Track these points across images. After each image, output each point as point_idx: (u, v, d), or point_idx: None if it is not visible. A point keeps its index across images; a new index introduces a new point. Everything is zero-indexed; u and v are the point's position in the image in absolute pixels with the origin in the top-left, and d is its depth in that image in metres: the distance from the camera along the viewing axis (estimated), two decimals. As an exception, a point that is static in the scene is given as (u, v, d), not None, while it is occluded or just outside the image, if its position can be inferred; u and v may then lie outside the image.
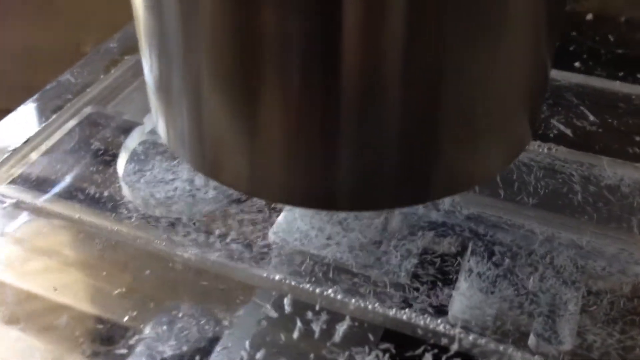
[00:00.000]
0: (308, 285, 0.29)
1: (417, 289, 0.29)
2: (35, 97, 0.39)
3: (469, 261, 0.31)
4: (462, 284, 0.29)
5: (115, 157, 0.36)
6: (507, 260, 0.31)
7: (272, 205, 0.33)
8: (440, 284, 0.29)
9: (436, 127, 0.26)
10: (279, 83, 0.25)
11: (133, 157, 0.36)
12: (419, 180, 0.27)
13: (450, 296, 0.29)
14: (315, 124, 0.25)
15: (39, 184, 0.34)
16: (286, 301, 0.28)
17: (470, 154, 0.27)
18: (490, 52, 0.25)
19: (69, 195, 0.34)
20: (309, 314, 0.28)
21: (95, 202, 0.33)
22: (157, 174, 0.35)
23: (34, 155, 0.36)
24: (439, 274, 0.30)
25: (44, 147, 0.36)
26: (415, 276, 0.30)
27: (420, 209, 0.33)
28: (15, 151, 0.36)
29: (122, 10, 0.62)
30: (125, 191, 0.34)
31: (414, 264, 0.30)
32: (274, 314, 0.28)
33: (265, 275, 0.30)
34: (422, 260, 0.31)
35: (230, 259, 0.30)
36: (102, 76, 0.41)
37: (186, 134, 0.28)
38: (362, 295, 0.29)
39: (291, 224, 0.32)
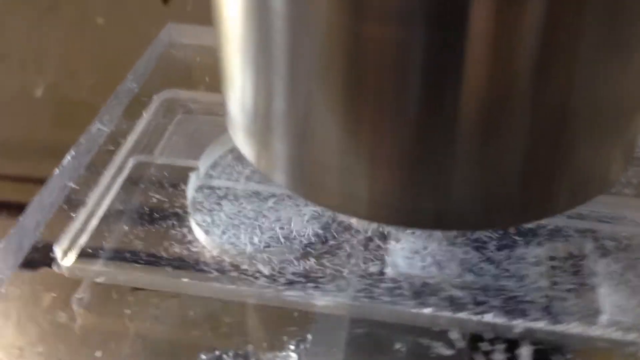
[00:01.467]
0: (463, 314, 0.27)
1: (564, 299, 0.28)
2: (72, 153, 0.35)
3: (595, 261, 0.30)
4: (603, 284, 0.29)
5: (180, 210, 0.33)
6: (628, 254, 0.30)
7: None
8: (582, 288, 0.29)
9: (564, 141, 0.24)
10: (398, 101, 0.23)
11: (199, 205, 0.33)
12: (543, 196, 0.26)
13: (597, 299, 0.28)
14: (439, 142, 0.24)
15: (112, 256, 0.31)
16: (453, 335, 0.27)
17: (594, 165, 0.26)
18: (622, 66, 0.24)
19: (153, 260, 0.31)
20: (484, 345, 0.26)
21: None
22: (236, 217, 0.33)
23: (94, 222, 0.33)
24: (575, 278, 0.29)
25: (101, 211, 0.33)
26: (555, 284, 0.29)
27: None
28: (74, 219, 0.33)
29: (75, 52, 0.59)
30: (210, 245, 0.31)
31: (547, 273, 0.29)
32: (447, 350, 0.26)
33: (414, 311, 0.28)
34: (552, 267, 0.30)
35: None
36: (136, 121, 0.38)
37: (287, 156, 0.26)
38: (525, 313, 0.27)
39: (400, 253, 0.31)
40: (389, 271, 0.30)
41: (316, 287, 0.29)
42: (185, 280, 0.30)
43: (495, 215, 0.25)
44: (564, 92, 0.23)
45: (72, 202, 0.33)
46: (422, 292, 0.29)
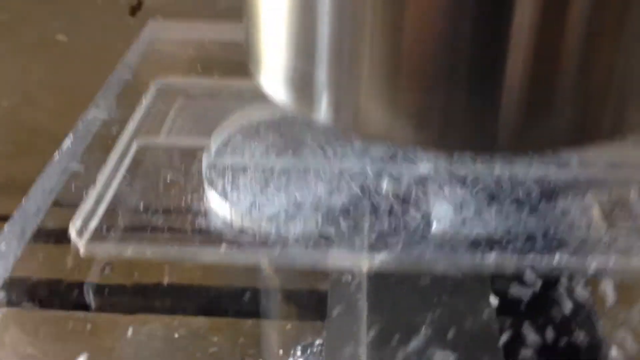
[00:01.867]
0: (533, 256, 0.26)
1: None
2: (70, 138, 0.33)
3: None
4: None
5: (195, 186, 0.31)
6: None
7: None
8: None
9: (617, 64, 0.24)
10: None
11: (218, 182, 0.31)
12: (593, 121, 0.25)
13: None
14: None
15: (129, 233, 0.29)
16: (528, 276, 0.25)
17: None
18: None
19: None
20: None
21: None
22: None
23: (106, 201, 0.30)
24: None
25: (112, 190, 0.30)
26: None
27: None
28: (85, 199, 0.30)
29: (34, 73, 0.56)
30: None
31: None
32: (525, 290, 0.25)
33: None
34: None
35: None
36: (135, 107, 0.35)
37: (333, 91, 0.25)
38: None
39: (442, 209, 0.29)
40: (435, 227, 0.28)
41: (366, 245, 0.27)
42: (210, 250, 0.28)
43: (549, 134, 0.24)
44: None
45: (77, 186, 0.31)
46: (478, 242, 0.27)
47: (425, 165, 0.31)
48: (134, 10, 0.54)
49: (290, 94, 0.27)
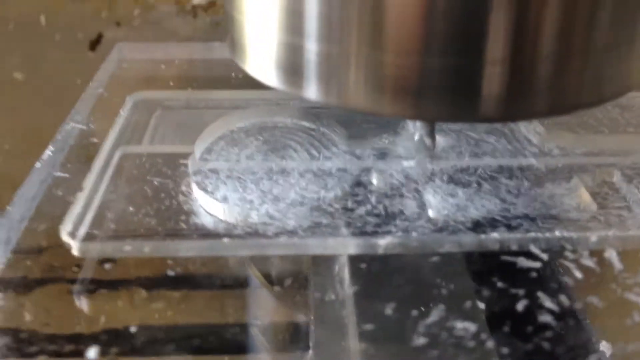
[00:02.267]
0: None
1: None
2: (51, 148, 0.32)
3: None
4: None
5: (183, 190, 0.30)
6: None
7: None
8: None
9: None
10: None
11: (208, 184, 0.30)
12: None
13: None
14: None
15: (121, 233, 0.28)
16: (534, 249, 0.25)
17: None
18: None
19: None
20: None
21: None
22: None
23: (94, 205, 0.29)
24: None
25: (98, 195, 0.30)
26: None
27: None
28: (74, 203, 0.29)
29: None
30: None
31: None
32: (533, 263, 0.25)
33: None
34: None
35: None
36: (113, 119, 0.35)
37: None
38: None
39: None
40: (431, 213, 0.29)
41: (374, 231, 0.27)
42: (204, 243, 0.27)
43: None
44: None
45: (58, 195, 0.30)
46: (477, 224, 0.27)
47: (411, 161, 0.32)
48: (94, 44, 0.53)
49: (279, 74, 0.28)
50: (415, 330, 0.24)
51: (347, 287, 0.27)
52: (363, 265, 0.27)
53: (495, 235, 0.26)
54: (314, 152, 0.34)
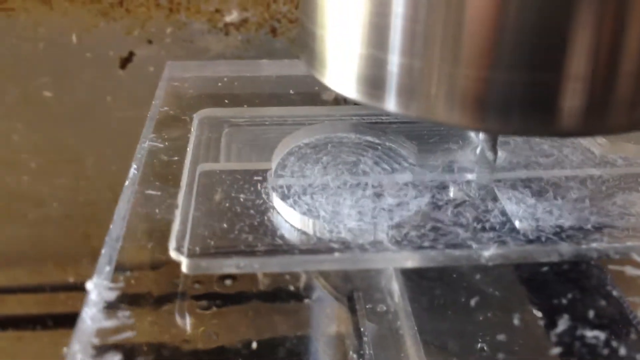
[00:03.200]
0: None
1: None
2: (134, 166, 0.33)
3: None
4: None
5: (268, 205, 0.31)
6: None
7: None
8: None
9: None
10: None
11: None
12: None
13: None
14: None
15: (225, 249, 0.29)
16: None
17: None
18: None
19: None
20: None
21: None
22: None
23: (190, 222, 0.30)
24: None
25: (191, 213, 0.31)
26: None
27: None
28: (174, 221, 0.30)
29: (16, 131, 0.54)
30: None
31: None
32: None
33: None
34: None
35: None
36: (186, 137, 0.36)
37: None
38: None
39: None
40: (518, 224, 0.30)
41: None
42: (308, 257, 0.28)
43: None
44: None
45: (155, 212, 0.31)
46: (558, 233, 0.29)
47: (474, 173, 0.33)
48: (125, 62, 0.54)
49: (359, 87, 0.29)
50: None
51: (398, 299, 0.28)
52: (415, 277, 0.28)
53: (594, 245, 0.28)
54: (386, 167, 0.35)
